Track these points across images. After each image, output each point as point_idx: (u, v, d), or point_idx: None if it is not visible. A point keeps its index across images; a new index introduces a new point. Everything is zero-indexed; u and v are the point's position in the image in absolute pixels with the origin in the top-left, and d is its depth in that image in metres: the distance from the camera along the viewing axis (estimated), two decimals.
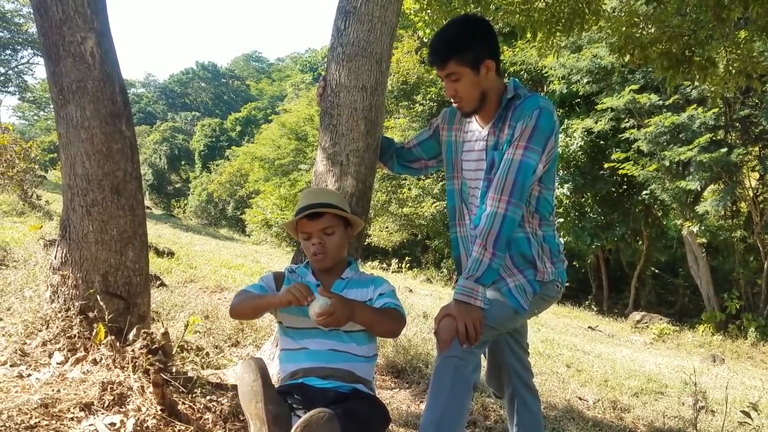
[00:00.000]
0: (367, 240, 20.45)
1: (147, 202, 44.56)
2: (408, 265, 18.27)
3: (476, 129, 2.44)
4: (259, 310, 2.23)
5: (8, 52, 29.39)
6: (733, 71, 5.71)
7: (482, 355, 2.41)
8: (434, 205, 19.20)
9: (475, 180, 2.41)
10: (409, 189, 20.34)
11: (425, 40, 20.05)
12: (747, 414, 3.59)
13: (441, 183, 19.40)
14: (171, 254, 8.30)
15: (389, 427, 2.37)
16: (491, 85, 2.31)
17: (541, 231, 2.37)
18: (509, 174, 2.17)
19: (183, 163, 54.23)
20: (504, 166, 2.19)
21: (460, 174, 2.49)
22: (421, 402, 3.86)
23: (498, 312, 2.23)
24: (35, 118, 51.85)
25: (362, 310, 2.13)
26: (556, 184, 15.94)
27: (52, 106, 3.15)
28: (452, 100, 2.37)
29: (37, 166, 12.61)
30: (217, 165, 43.32)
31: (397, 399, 3.90)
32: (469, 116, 2.41)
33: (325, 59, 3.48)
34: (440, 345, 2.19)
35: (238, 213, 34.87)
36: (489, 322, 2.19)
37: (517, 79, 2.40)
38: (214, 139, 51.07)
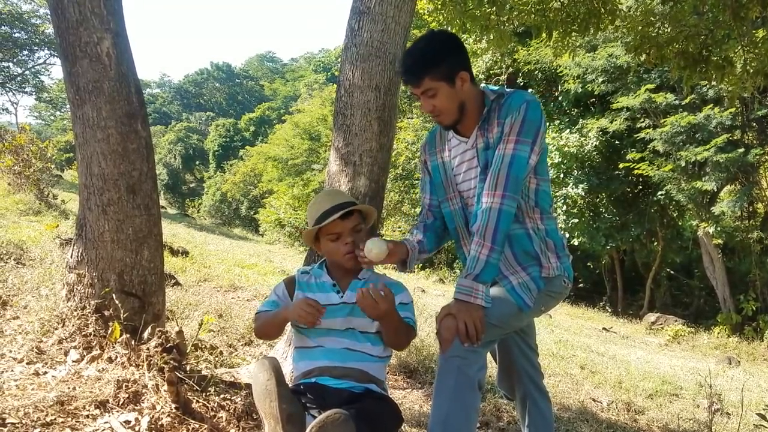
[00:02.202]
0: None
1: (162, 202, 44.84)
2: (420, 265, 18.24)
3: (459, 142, 2.40)
4: (278, 327, 2.24)
5: (25, 52, 29.63)
6: (751, 70, 5.65)
7: (490, 356, 2.39)
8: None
9: (472, 190, 2.36)
10: None
11: None
12: (763, 417, 3.54)
13: None
14: (185, 253, 8.35)
15: (401, 427, 2.37)
16: (468, 95, 2.29)
17: (544, 225, 2.33)
18: (502, 168, 2.16)
19: (197, 163, 54.53)
20: (497, 162, 2.18)
21: (456, 192, 2.43)
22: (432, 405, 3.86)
23: (502, 310, 2.21)
24: (51, 118, 52.39)
25: (395, 315, 2.15)
26: (571, 184, 15.87)
27: (68, 106, 3.18)
28: (431, 116, 2.34)
29: (53, 166, 12.73)
30: (231, 165, 43.51)
31: (409, 399, 3.89)
32: (450, 129, 2.38)
33: (339, 59, 3.48)
34: (442, 345, 2.18)
35: (252, 213, 35.01)
36: (493, 321, 2.17)
37: (491, 86, 2.37)
38: (228, 139, 51.34)
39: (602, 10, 5.39)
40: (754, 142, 14.46)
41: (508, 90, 2.31)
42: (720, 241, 15.32)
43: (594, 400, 4.82)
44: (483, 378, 2.20)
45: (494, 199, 2.13)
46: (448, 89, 2.23)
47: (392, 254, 2.30)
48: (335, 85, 3.61)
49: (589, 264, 19.19)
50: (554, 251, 2.34)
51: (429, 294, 11.54)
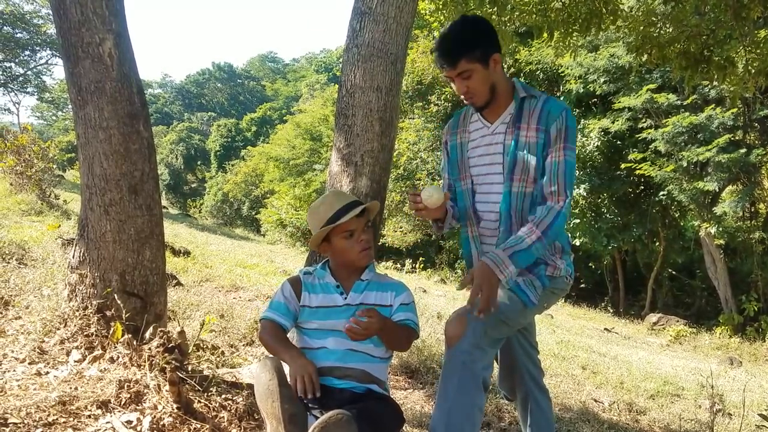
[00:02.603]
0: (381, 240, 20.46)
1: (163, 202, 44.86)
2: (422, 265, 18.25)
3: (482, 127, 2.47)
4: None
5: (27, 52, 29.66)
6: (753, 71, 5.65)
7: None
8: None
9: (483, 176, 2.43)
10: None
11: None
12: (765, 417, 3.54)
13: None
14: (187, 253, 8.36)
15: (403, 427, 2.37)
16: (499, 78, 2.38)
17: None
18: (560, 175, 2.28)
19: (199, 163, 54.60)
20: (553, 168, 2.29)
21: (468, 173, 2.51)
22: (435, 402, 3.86)
23: (508, 306, 2.25)
24: (53, 118, 52.46)
25: (391, 330, 2.16)
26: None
27: (70, 106, 3.18)
28: (463, 98, 2.41)
29: (55, 166, 12.73)
30: (232, 165, 43.56)
31: (410, 399, 3.90)
32: (482, 110, 2.44)
33: (340, 60, 3.49)
34: (447, 341, 2.22)
35: (253, 213, 35.04)
36: (500, 317, 2.21)
37: (521, 80, 2.45)
38: (229, 140, 51.39)
39: (604, 10, 5.39)
40: (756, 142, 14.45)
41: (537, 92, 2.40)
42: (722, 241, 15.30)
43: (595, 401, 4.81)
44: (488, 376, 2.22)
45: (558, 203, 2.27)
46: (482, 71, 2.31)
47: (441, 206, 2.39)
48: (336, 86, 3.62)
49: (590, 264, 19.18)
50: (561, 252, 2.40)
51: (430, 294, 11.55)
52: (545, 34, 5.68)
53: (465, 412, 2.13)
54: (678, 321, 14.56)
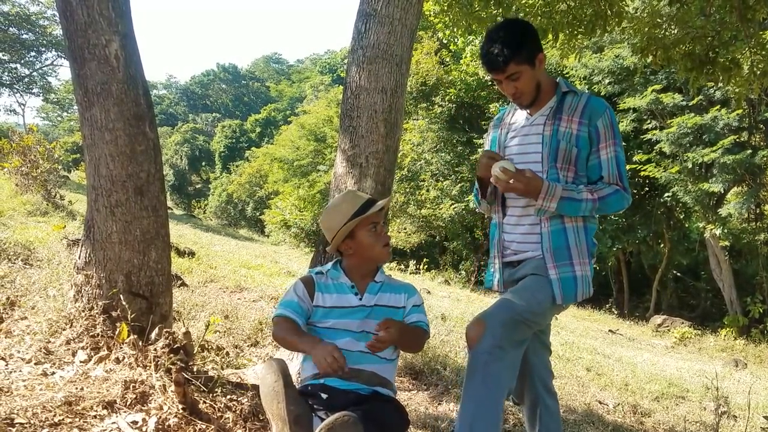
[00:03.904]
0: None
1: (168, 203, 44.90)
2: (426, 266, 18.24)
3: (521, 117, 2.59)
4: (294, 350, 2.24)
5: (32, 54, 29.78)
6: (758, 72, 5.63)
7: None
8: (453, 206, 19.11)
9: (518, 164, 2.47)
10: (428, 191, 20.30)
11: (445, 42, 20.05)
12: None
13: (460, 185, 19.32)
14: (192, 254, 8.38)
15: (408, 429, 2.37)
16: (543, 75, 2.49)
17: (584, 224, 2.49)
18: (616, 168, 2.43)
19: (203, 164, 54.67)
20: (610, 165, 2.43)
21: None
22: (439, 404, 3.87)
23: (538, 297, 2.34)
24: (59, 119, 52.62)
25: (407, 334, 2.22)
26: None
27: (76, 107, 3.20)
28: (511, 98, 2.51)
29: (60, 167, 12.76)
30: (237, 166, 43.60)
31: (415, 401, 3.89)
32: (529, 108, 2.54)
33: (344, 61, 3.49)
34: (468, 342, 2.27)
35: (258, 214, 35.10)
36: (527, 315, 2.28)
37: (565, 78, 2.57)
38: (234, 141, 51.43)
39: (608, 12, 5.37)
40: (762, 143, 14.42)
41: (578, 89, 2.54)
42: (727, 243, 15.27)
43: (600, 403, 4.81)
44: (513, 378, 2.29)
45: (616, 186, 2.42)
46: (530, 71, 2.42)
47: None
48: (341, 87, 3.62)
49: (595, 266, 19.05)
50: (589, 255, 2.48)
51: (435, 295, 11.54)
52: (550, 36, 5.67)
53: (489, 414, 2.16)
54: (683, 323, 14.53)
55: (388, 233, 2.50)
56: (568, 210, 2.37)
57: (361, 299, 2.24)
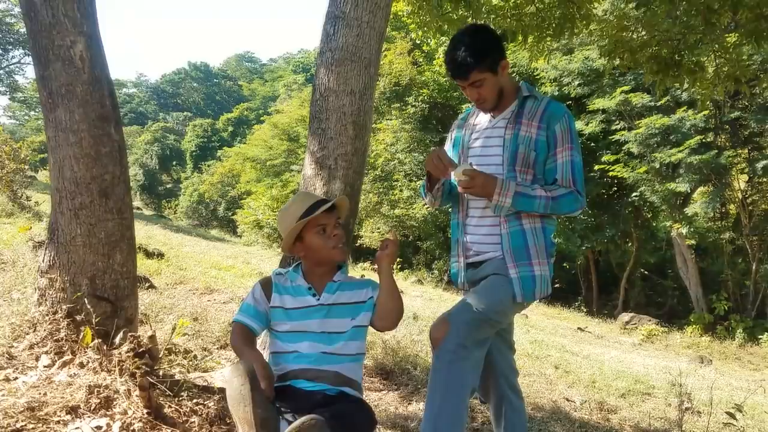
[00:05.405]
0: (357, 241, 20.44)
1: (138, 203, 44.38)
2: (399, 266, 18.27)
3: (485, 119, 2.62)
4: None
5: None
6: (722, 75, 5.75)
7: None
8: (426, 206, 19.15)
9: (479, 166, 2.50)
10: (401, 190, 20.35)
11: (418, 42, 20.10)
12: (732, 415, 3.63)
13: None
14: (161, 255, 8.27)
15: (376, 429, 2.39)
16: (506, 81, 2.54)
17: (542, 224, 2.51)
18: (572, 173, 2.48)
19: (174, 163, 54.03)
20: (564, 169, 2.47)
21: (466, 161, 2.60)
22: (409, 404, 3.88)
23: (499, 296, 2.39)
24: (26, 118, 51.49)
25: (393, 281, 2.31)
26: None
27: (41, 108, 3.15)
28: (475, 104, 2.57)
29: (27, 167, 12.52)
30: (208, 165, 43.21)
31: (385, 401, 3.91)
32: (491, 112, 2.58)
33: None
34: (432, 343, 2.30)
35: (230, 214, 34.78)
36: (490, 314, 2.32)
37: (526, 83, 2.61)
38: (205, 140, 50.93)
39: (577, 14, 5.44)
40: (727, 144, 14.74)
41: (538, 93, 2.58)
42: (693, 241, 15.58)
43: (567, 400, 4.87)
44: (476, 377, 2.34)
45: (569, 189, 2.46)
46: (492, 78, 2.46)
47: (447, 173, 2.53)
48: None
49: (564, 264, 19.38)
50: (548, 255, 2.51)
51: (408, 295, 11.57)
52: (519, 38, 5.73)
53: (452, 412, 2.20)
54: (650, 320, 14.79)
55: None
56: (524, 205, 2.40)
57: (318, 299, 2.26)
